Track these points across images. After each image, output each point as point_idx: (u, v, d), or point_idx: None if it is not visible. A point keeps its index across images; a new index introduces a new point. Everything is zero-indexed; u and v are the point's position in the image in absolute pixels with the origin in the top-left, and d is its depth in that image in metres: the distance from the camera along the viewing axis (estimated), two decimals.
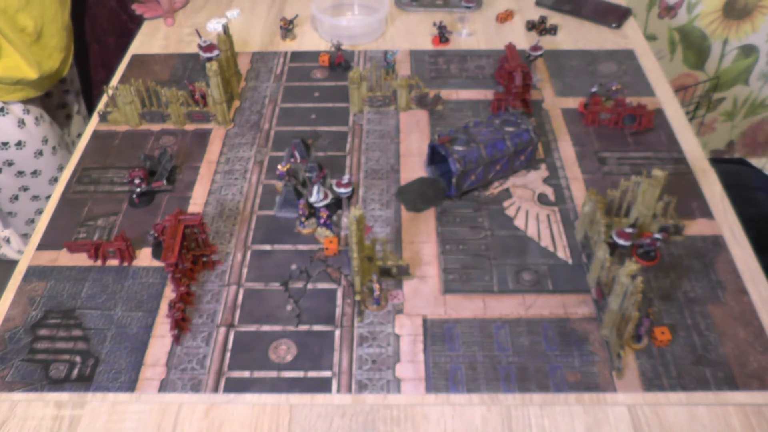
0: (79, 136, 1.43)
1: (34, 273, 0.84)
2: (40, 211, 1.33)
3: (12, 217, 1.34)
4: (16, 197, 1.29)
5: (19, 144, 1.19)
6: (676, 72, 1.87)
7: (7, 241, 1.54)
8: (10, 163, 1.21)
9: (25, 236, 1.40)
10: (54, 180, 1.29)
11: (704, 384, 0.71)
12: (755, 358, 0.73)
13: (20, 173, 1.24)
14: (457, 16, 1.31)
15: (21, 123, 1.19)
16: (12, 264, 0.86)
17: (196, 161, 1.00)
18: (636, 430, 0.67)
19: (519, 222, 0.89)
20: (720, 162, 0.94)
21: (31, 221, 1.36)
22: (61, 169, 1.30)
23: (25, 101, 1.20)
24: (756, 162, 2.13)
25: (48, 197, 1.29)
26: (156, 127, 1.06)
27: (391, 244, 0.86)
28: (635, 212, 0.84)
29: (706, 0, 1.68)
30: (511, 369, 0.73)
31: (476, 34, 1.27)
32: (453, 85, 1.13)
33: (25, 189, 1.28)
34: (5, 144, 1.18)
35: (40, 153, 1.23)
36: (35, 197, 1.30)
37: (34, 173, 1.25)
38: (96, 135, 1.05)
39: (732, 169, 0.94)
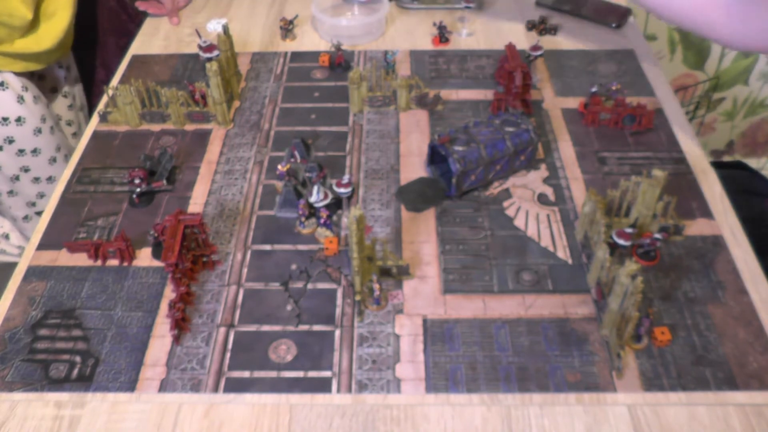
0: (70, 124, 1.42)
1: (34, 273, 0.84)
2: (41, 195, 1.33)
3: (12, 196, 1.33)
4: (17, 177, 1.28)
5: (19, 120, 1.19)
6: (676, 72, 1.87)
7: (6, 237, 1.54)
8: (10, 141, 1.21)
9: (26, 219, 1.39)
10: (53, 160, 1.28)
11: (704, 384, 0.71)
12: (755, 358, 0.73)
13: (21, 151, 1.23)
14: (457, 16, 1.31)
15: (20, 99, 1.19)
16: (12, 264, 0.85)
17: (196, 161, 1.00)
18: (636, 430, 0.67)
19: (519, 222, 0.89)
20: (718, 166, 0.94)
21: (33, 204, 1.35)
22: (59, 149, 1.29)
23: (24, 77, 1.20)
24: (756, 162, 2.13)
25: (48, 179, 1.29)
26: (156, 128, 1.06)
27: (391, 244, 0.86)
28: (635, 212, 0.84)
29: None
30: (511, 369, 0.73)
31: (476, 34, 1.27)
32: (453, 85, 1.13)
33: (26, 170, 1.28)
34: (5, 119, 1.18)
35: (39, 131, 1.23)
36: (36, 179, 1.30)
37: (34, 152, 1.24)
38: (96, 135, 1.05)
39: (731, 174, 0.94)
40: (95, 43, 1.52)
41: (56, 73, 1.36)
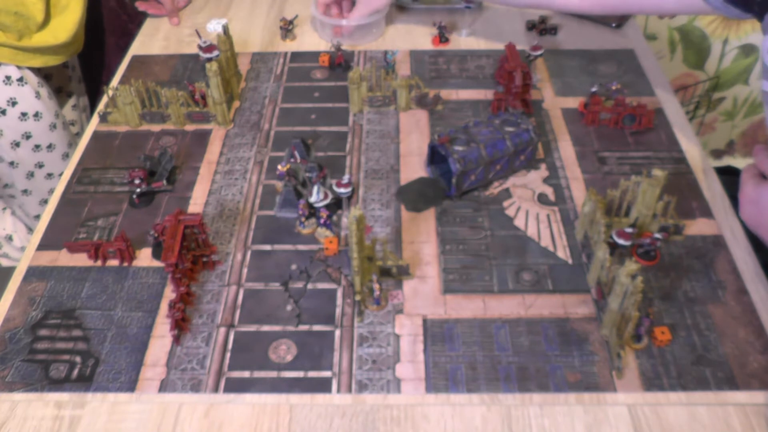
0: (73, 124, 1.43)
1: (34, 273, 0.84)
2: (52, 191, 1.34)
3: (27, 195, 1.33)
4: (32, 174, 1.29)
5: (36, 115, 1.21)
6: (676, 72, 1.87)
7: (9, 239, 1.55)
8: (28, 136, 1.23)
9: (37, 218, 1.40)
10: (66, 156, 1.30)
11: (704, 384, 0.71)
12: (755, 358, 0.73)
13: (37, 147, 1.25)
14: (457, 16, 1.31)
15: (38, 95, 1.20)
16: (14, 267, 0.86)
17: (196, 161, 1.00)
18: (636, 430, 0.67)
19: (519, 222, 0.89)
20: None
21: (45, 201, 1.36)
22: (70, 145, 1.30)
23: (38, 73, 1.22)
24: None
25: (61, 174, 1.31)
26: (156, 128, 1.06)
27: (391, 244, 0.86)
28: (635, 212, 0.84)
29: None
30: (511, 369, 0.73)
31: (476, 34, 1.27)
32: (453, 85, 1.13)
33: (41, 166, 1.28)
34: (24, 115, 1.20)
35: (54, 126, 1.25)
36: (49, 175, 1.31)
37: (50, 147, 1.26)
38: (96, 135, 1.05)
39: (726, 180, 0.94)
40: (95, 43, 1.52)
41: (64, 72, 1.37)
